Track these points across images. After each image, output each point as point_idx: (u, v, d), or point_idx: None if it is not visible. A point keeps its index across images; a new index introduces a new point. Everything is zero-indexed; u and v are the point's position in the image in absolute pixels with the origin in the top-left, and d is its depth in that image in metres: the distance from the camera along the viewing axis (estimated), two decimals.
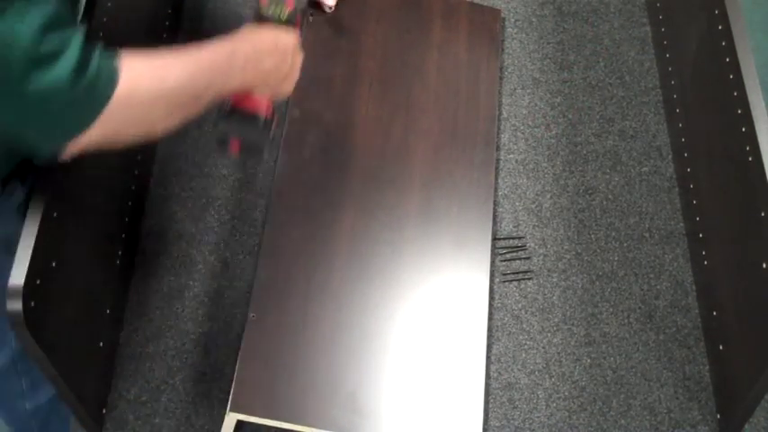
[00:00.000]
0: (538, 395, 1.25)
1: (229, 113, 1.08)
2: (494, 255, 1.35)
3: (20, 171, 1.13)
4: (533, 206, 1.42)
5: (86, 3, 1.12)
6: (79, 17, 1.09)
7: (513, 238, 1.38)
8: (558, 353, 1.29)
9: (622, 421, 1.24)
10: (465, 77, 1.47)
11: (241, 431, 1.18)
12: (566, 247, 1.38)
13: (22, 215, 1.02)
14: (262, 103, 1.09)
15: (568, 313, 1.32)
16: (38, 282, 0.96)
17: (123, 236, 1.27)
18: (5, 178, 1.11)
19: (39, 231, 0.97)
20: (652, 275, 1.36)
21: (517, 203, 1.42)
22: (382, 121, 1.40)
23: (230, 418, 1.12)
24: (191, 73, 0.95)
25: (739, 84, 1.20)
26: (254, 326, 1.18)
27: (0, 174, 1.09)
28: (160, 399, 1.21)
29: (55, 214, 1.01)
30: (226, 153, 1.20)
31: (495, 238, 1.36)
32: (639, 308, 1.33)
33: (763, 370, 1.10)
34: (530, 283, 1.34)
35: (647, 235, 1.40)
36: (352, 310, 1.22)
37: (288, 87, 1.11)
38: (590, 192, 1.44)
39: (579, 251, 1.38)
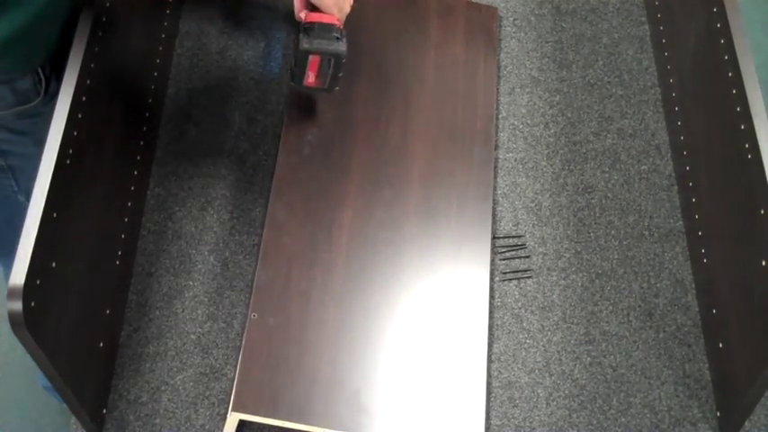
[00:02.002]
0: (538, 393, 1.25)
1: (307, 29, 1.20)
2: (493, 253, 1.35)
3: (58, 69, 1.19)
4: (533, 205, 1.42)
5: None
6: None
7: (513, 237, 1.38)
8: (558, 351, 1.29)
9: (622, 419, 1.24)
10: (462, 76, 1.48)
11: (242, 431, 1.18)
12: (565, 246, 1.38)
13: None
14: (334, 19, 1.22)
15: (568, 312, 1.32)
16: (38, 282, 0.96)
17: (123, 236, 1.27)
18: (47, 82, 1.21)
19: (39, 231, 0.97)
20: (652, 273, 1.37)
21: (516, 202, 1.42)
22: (380, 121, 1.40)
23: (233, 418, 1.12)
24: None
25: (738, 81, 1.20)
26: (255, 326, 1.18)
27: (37, 57, 1.17)
28: (160, 399, 1.20)
29: (55, 214, 1.01)
30: (302, 83, 1.24)
31: (494, 237, 1.36)
32: (639, 306, 1.33)
33: (763, 368, 1.10)
34: (529, 281, 1.34)
35: (646, 233, 1.40)
36: (352, 308, 1.22)
37: (348, 5, 1.26)
38: (589, 190, 1.44)
39: (579, 250, 1.38)
